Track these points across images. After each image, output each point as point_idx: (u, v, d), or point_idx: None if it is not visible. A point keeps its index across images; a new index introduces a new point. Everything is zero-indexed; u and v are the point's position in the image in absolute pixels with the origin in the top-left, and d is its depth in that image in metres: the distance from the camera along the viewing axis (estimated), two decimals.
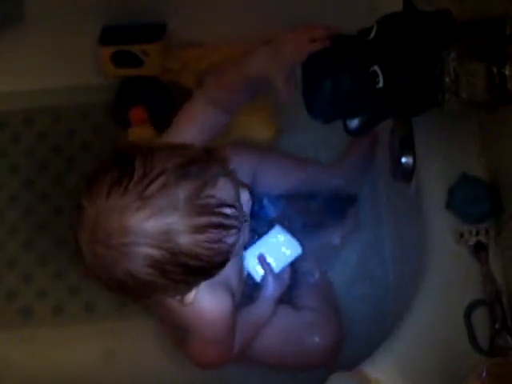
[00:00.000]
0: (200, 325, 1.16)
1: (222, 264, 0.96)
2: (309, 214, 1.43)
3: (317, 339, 1.30)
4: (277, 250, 1.28)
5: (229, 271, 1.09)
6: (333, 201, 1.45)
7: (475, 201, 1.20)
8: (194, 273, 0.93)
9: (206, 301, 1.11)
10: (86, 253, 0.89)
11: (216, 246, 0.92)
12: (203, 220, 0.90)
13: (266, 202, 1.42)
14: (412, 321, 1.16)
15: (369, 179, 1.48)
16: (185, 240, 0.88)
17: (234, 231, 0.94)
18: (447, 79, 1.05)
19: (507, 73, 1.01)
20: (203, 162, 0.94)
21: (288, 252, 1.28)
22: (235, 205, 0.95)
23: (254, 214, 1.37)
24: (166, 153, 0.92)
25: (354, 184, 1.48)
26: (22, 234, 1.59)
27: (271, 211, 1.41)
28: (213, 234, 0.91)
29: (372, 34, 1.06)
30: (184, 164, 0.91)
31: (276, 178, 1.44)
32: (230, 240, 0.94)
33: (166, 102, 1.58)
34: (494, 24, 1.08)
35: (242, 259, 1.25)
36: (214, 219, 0.91)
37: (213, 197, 0.91)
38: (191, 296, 1.00)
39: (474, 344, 1.13)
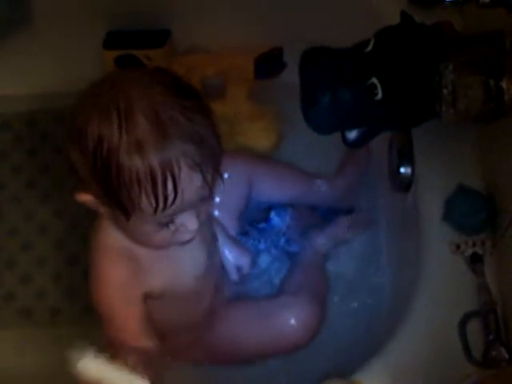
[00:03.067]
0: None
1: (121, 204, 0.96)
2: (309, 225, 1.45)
3: (292, 321, 1.30)
4: None
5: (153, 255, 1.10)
6: (330, 213, 1.46)
7: (472, 212, 1.21)
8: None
9: (102, 259, 1.11)
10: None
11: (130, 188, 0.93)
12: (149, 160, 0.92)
13: (272, 213, 1.44)
14: (407, 330, 1.17)
15: (366, 189, 1.48)
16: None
17: (150, 202, 0.95)
18: (445, 91, 1.05)
19: (504, 86, 1.02)
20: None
21: None
22: (176, 195, 0.95)
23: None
24: None
25: (350, 196, 1.49)
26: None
27: (277, 221, 1.44)
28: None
29: (370, 47, 1.07)
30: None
31: (272, 187, 1.45)
32: (144, 203, 0.95)
33: None
34: (494, 37, 1.09)
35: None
36: (157, 169, 0.92)
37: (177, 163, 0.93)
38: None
39: (467, 355, 1.14)
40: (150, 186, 0.93)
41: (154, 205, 0.95)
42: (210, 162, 0.97)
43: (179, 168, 0.93)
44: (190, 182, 0.95)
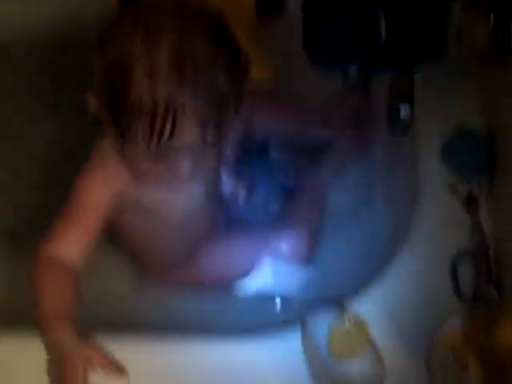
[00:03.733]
0: None
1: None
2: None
3: (284, 247, 1.31)
4: None
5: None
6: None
7: (470, 154, 1.22)
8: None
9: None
10: None
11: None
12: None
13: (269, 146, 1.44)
14: (400, 266, 1.18)
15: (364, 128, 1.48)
16: None
17: (145, 131, 0.94)
18: (452, 27, 1.05)
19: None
20: None
21: None
22: (173, 134, 0.94)
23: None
24: None
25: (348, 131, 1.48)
26: None
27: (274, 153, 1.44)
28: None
29: None
30: None
31: (271, 120, 1.44)
32: (139, 131, 0.94)
33: None
34: None
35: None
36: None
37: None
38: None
39: (457, 293, 1.15)
40: (149, 115, 0.93)
41: (148, 136, 0.94)
42: (220, 117, 0.96)
43: (183, 110, 0.92)
44: (190, 128, 0.95)
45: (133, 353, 1.06)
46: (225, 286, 1.35)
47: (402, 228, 1.23)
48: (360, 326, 0.95)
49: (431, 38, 1.08)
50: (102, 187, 1.10)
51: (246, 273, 1.33)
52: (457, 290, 1.15)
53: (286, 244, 1.31)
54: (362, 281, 1.19)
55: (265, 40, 1.52)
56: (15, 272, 1.37)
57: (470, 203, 1.20)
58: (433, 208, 1.21)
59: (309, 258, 1.33)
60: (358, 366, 0.96)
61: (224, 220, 1.38)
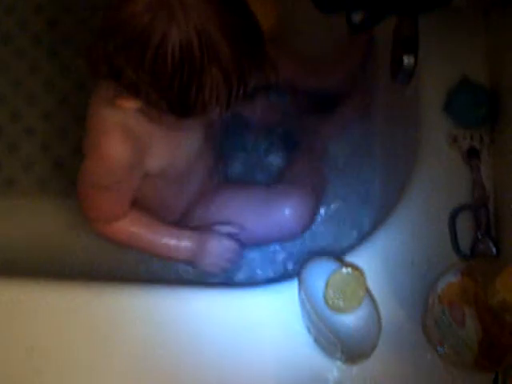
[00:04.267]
0: (91, 148, 1.12)
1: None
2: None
3: (287, 211, 1.29)
4: None
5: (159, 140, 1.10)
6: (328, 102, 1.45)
7: (473, 105, 1.19)
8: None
9: (109, 133, 1.08)
10: None
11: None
12: None
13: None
14: (398, 218, 1.16)
15: (366, 76, 1.45)
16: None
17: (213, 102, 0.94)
18: None
19: None
20: None
21: None
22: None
23: None
24: None
25: (349, 82, 1.46)
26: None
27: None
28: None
29: None
30: None
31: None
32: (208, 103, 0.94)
33: None
34: None
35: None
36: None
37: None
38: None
39: (455, 246, 1.14)
40: (225, 91, 0.94)
41: (215, 105, 0.95)
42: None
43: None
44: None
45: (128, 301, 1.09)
46: None
47: (401, 179, 1.21)
48: (357, 277, 0.94)
49: None
50: (127, 147, 1.09)
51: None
52: (455, 244, 1.14)
53: (289, 207, 1.28)
54: (360, 232, 1.18)
55: None
56: None
57: (472, 157, 1.18)
58: (433, 160, 1.19)
59: (311, 222, 1.31)
60: (353, 317, 0.95)
61: (223, 172, 1.36)
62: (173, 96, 0.94)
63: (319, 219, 1.33)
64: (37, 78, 1.59)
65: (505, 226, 1.14)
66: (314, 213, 1.31)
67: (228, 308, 1.10)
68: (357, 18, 1.12)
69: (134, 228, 1.22)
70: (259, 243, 1.36)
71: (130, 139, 1.08)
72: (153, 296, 1.11)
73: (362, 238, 1.16)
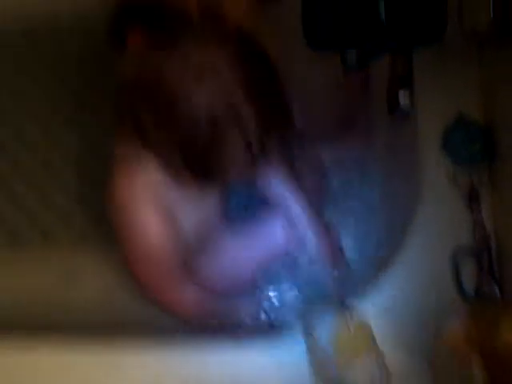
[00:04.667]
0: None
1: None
2: None
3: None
4: None
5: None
6: None
7: (470, 144, 1.18)
8: None
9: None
10: None
11: None
12: None
13: None
14: (400, 263, 1.15)
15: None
16: None
17: None
18: (452, 8, 1.02)
19: None
20: None
21: None
22: None
23: None
24: None
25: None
26: None
27: None
28: None
29: None
30: None
31: None
32: None
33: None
34: None
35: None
36: None
37: None
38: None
39: (459, 289, 1.12)
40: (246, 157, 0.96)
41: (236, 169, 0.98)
42: None
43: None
44: None
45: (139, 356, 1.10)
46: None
47: (402, 223, 1.20)
48: (364, 329, 0.93)
49: (430, 19, 1.05)
50: (161, 220, 1.10)
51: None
52: (458, 286, 1.12)
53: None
54: (363, 279, 1.16)
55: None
56: None
57: (472, 197, 1.17)
58: (434, 201, 1.18)
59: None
60: (361, 369, 0.93)
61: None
62: (195, 159, 0.96)
63: (318, 264, 1.31)
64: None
65: (508, 267, 1.12)
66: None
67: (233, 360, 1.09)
68: (351, 57, 1.12)
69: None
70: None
71: (161, 212, 1.09)
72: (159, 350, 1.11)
73: (366, 280, 1.15)
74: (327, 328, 0.94)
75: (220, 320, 1.25)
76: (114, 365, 1.11)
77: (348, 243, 1.34)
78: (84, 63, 1.60)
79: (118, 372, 1.11)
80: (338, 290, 1.25)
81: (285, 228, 1.26)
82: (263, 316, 1.30)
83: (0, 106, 1.58)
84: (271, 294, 1.33)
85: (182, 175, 1.01)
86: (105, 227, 1.21)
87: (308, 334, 0.99)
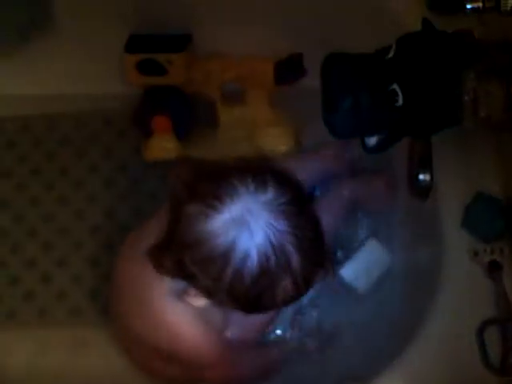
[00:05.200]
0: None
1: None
2: None
3: None
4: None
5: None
6: None
7: (490, 219, 1.22)
8: None
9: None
10: None
11: None
12: None
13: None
14: (424, 338, 1.18)
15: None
16: None
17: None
18: (466, 98, 1.06)
19: None
20: None
21: None
22: None
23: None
24: None
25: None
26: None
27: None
28: None
29: (391, 53, 1.07)
30: None
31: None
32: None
33: (188, 111, 1.60)
34: None
35: None
36: None
37: None
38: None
39: (485, 362, 1.14)
40: (295, 295, 0.96)
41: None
42: None
43: None
44: None
45: None
46: None
47: (425, 297, 1.23)
48: None
49: (446, 107, 1.08)
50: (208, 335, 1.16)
51: None
52: (484, 359, 1.14)
53: None
54: (386, 356, 1.18)
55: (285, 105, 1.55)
56: None
57: (494, 270, 1.20)
58: (456, 276, 1.21)
59: None
60: None
61: None
62: (246, 302, 0.96)
63: (344, 338, 1.34)
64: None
65: None
66: None
67: None
68: (371, 141, 1.16)
69: None
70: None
71: (208, 329, 1.14)
72: None
73: (390, 358, 1.17)
74: None
75: None
76: None
77: (369, 317, 1.37)
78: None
79: None
80: None
81: None
82: None
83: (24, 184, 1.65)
84: None
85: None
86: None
87: None
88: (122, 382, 1.41)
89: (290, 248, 0.91)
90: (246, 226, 0.91)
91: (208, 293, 0.98)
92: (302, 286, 0.95)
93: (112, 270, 1.25)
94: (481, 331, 1.16)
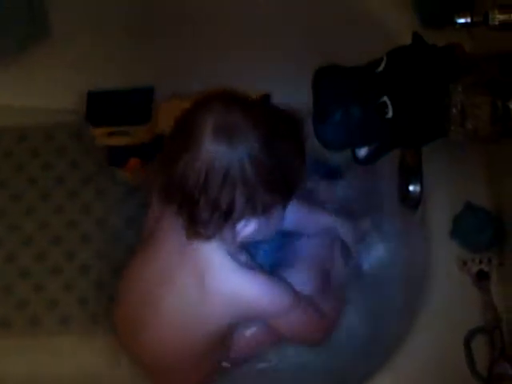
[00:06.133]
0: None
1: None
2: None
3: None
4: None
5: None
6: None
7: (478, 230, 1.23)
8: None
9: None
10: None
11: None
12: None
13: None
14: (412, 346, 1.19)
15: (375, 206, 1.50)
16: None
17: None
18: (454, 110, 1.08)
19: (511, 106, 1.05)
20: None
21: None
22: None
23: None
24: None
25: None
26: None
27: None
28: None
29: (382, 66, 1.09)
30: None
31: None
32: None
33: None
34: (503, 59, 1.11)
35: None
36: None
37: None
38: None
39: (473, 371, 1.15)
40: None
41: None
42: None
43: None
44: None
45: None
46: None
47: (413, 305, 1.24)
48: None
49: (434, 119, 1.10)
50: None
51: None
52: (472, 368, 1.15)
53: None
54: (373, 364, 1.20)
55: None
56: None
57: (481, 279, 1.21)
58: (444, 284, 1.23)
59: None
60: None
61: None
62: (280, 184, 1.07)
63: (332, 347, 1.35)
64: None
65: None
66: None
67: None
68: (361, 152, 1.17)
69: None
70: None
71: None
72: None
73: (378, 366, 1.18)
74: None
75: None
76: None
77: (357, 324, 1.38)
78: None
79: None
80: None
81: None
82: None
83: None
84: None
85: None
86: None
87: None
88: None
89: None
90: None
91: (251, 205, 1.05)
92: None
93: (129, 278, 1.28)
94: (468, 340, 1.17)
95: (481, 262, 1.22)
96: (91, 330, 1.51)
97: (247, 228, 1.11)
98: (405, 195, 1.26)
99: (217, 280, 1.16)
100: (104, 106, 1.56)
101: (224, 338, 1.26)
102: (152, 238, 1.24)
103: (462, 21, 1.12)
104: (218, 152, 1.02)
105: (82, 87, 1.58)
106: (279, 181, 1.07)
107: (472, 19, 1.10)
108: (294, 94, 1.29)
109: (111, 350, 1.41)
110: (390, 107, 1.08)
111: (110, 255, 1.59)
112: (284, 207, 1.14)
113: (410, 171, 1.26)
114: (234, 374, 1.39)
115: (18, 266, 1.60)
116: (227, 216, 1.06)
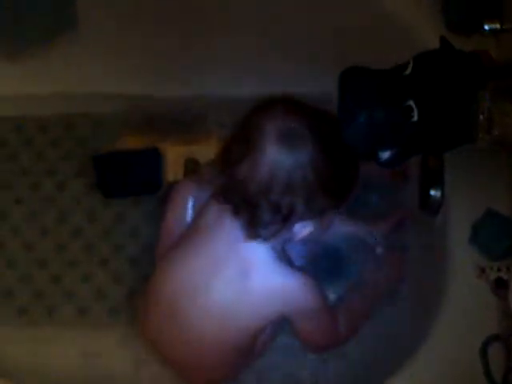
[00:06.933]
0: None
1: None
2: None
3: None
4: None
5: None
6: None
7: (498, 237, 1.23)
8: None
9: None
10: None
11: None
12: None
13: None
14: (428, 352, 1.19)
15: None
16: None
17: None
18: (481, 117, 1.08)
19: None
20: None
21: None
22: None
23: None
24: None
25: None
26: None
27: None
28: None
29: (408, 70, 1.09)
30: None
31: None
32: None
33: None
34: None
35: None
36: None
37: None
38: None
39: (488, 378, 1.15)
40: None
41: None
42: None
43: None
44: None
45: None
46: None
47: (430, 311, 1.24)
48: None
49: (461, 125, 1.10)
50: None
51: None
52: (488, 375, 1.15)
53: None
54: (389, 370, 1.20)
55: None
56: None
57: (499, 287, 1.21)
58: (461, 291, 1.23)
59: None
60: None
61: None
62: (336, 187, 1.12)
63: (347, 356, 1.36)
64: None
65: None
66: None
67: None
68: (384, 156, 1.17)
69: None
70: None
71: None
72: None
73: (394, 373, 1.18)
74: None
75: None
76: None
77: (374, 330, 1.37)
78: None
79: None
80: None
81: None
82: None
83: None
84: None
85: None
86: None
87: None
88: None
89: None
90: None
91: (310, 209, 1.09)
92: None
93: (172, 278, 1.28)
94: (484, 347, 1.17)
95: (499, 270, 1.22)
96: (108, 323, 1.51)
97: (304, 230, 1.14)
98: (426, 200, 1.26)
99: (262, 275, 1.19)
100: (113, 175, 1.62)
101: (256, 337, 1.27)
102: (196, 233, 1.26)
103: (490, 27, 1.12)
104: (281, 157, 1.06)
105: (105, 76, 1.59)
106: (336, 186, 1.11)
107: (501, 26, 1.10)
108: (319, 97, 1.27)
109: (127, 344, 1.41)
110: (415, 111, 1.08)
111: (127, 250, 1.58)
112: (337, 211, 1.18)
113: (432, 176, 1.26)
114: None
115: (37, 256, 1.60)
116: (287, 218, 1.09)
